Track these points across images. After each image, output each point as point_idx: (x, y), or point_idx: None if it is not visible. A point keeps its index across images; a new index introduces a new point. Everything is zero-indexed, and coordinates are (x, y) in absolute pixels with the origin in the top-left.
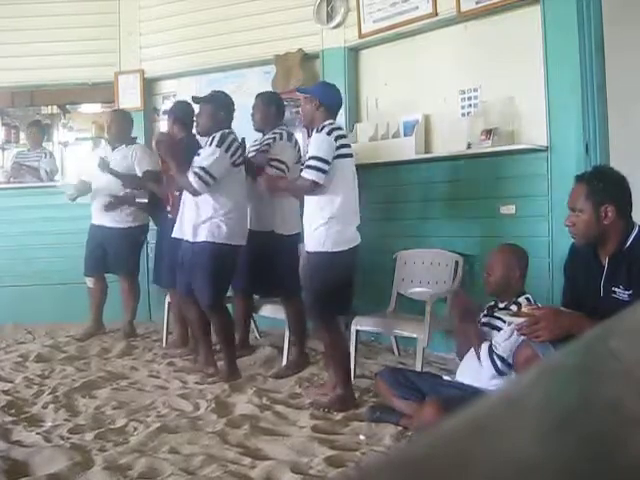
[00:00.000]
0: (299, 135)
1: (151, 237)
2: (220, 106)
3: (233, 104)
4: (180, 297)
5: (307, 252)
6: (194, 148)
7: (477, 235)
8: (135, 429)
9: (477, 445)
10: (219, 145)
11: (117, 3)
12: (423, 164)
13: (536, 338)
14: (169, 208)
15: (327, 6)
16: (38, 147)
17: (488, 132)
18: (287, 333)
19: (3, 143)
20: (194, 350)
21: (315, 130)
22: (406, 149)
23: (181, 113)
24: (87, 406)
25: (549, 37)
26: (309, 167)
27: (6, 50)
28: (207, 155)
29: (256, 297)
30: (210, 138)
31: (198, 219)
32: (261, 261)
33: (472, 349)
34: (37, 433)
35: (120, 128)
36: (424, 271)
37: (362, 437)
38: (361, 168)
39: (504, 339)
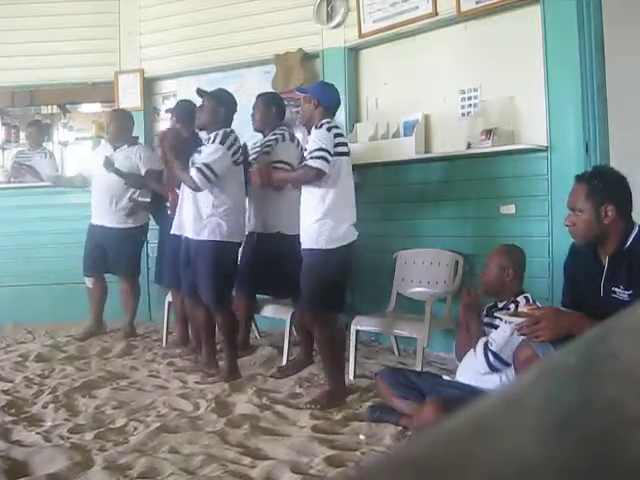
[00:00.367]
0: (299, 135)
1: (152, 237)
2: (221, 103)
3: (235, 103)
4: (187, 298)
5: (302, 249)
6: (197, 146)
7: (477, 235)
8: (135, 429)
9: (477, 445)
10: (222, 142)
11: (117, 3)
12: (423, 164)
13: (536, 338)
14: (168, 204)
15: (327, 6)
16: (38, 147)
17: (488, 132)
18: (287, 333)
19: (3, 143)
20: (195, 350)
21: (314, 126)
22: (406, 149)
23: (184, 112)
24: (87, 406)
25: (549, 37)
26: (314, 157)
27: (6, 50)
28: (210, 152)
29: (259, 298)
30: (213, 136)
31: (198, 217)
32: (269, 263)
33: (472, 349)
34: (37, 433)
35: (120, 128)
36: (424, 271)
37: (362, 437)
38: (361, 168)
39: (501, 336)
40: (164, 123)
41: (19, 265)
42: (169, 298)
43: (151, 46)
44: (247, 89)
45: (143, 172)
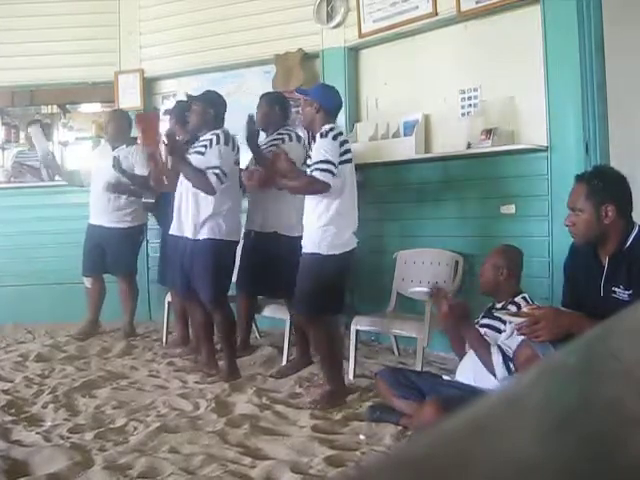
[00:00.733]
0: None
1: (152, 237)
2: (209, 104)
3: (224, 104)
4: (183, 298)
5: (302, 252)
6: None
7: (477, 235)
8: (135, 429)
9: (477, 445)
10: (227, 144)
11: (117, 3)
12: (423, 164)
13: (536, 338)
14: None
15: (327, 6)
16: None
17: (488, 132)
18: (287, 333)
19: (3, 143)
20: (195, 349)
21: (320, 135)
22: (406, 149)
23: (182, 113)
24: (87, 406)
25: (549, 37)
26: (320, 169)
27: (6, 49)
28: (218, 154)
29: (260, 298)
30: (215, 137)
31: (200, 217)
32: (265, 263)
33: (471, 350)
34: (37, 433)
35: (119, 128)
36: (424, 271)
37: (362, 437)
38: (361, 168)
39: (511, 340)
40: (164, 123)
41: (19, 265)
42: (169, 298)
43: (151, 46)
44: (247, 89)
45: (137, 171)
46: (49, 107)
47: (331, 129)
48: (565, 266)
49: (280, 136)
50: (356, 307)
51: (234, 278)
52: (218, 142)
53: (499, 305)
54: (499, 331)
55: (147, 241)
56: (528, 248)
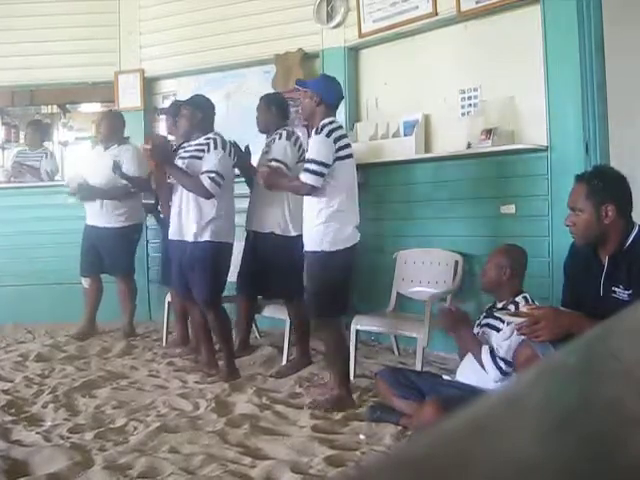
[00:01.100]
0: (299, 134)
1: (152, 236)
2: (197, 108)
3: (213, 107)
4: (184, 298)
5: (305, 251)
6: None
7: (477, 235)
8: (135, 428)
9: (477, 445)
10: (223, 148)
11: (117, 3)
12: (423, 164)
13: (536, 338)
14: (160, 208)
15: (327, 6)
16: (38, 147)
17: (488, 132)
18: (287, 333)
19: (3, 142)
20: (195, 349)
21: (315, 131)
22: (406, 149)
23: (178, 113)
24: (87, 405)
25: (549, 37)
26: (308, 170)
27: (6, 49)
28: (215, 158)
29: (259, 298)
30: (212, 142)
31: (202, 220)
32: (262, 263)
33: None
34: (37, 432)
35: (111, 128)
36: (424, 271)
37: (362, 437)
38: (361, 168)
39: (504, 339)
40: (163, 123)
41: (19, 265)
42: (169, 298)
43: (151, 46)
44: (247, 89)
45: (125, 169)
46: (49, 107)
47: (328, 123)
48: (565, 266)
49: (273, 136)
50: (356, 307)
51: (235, 279)
52: (216, 147)
53: (500, 305)
54: (499, 331)
55: (147, 241)
56: (528, 248)
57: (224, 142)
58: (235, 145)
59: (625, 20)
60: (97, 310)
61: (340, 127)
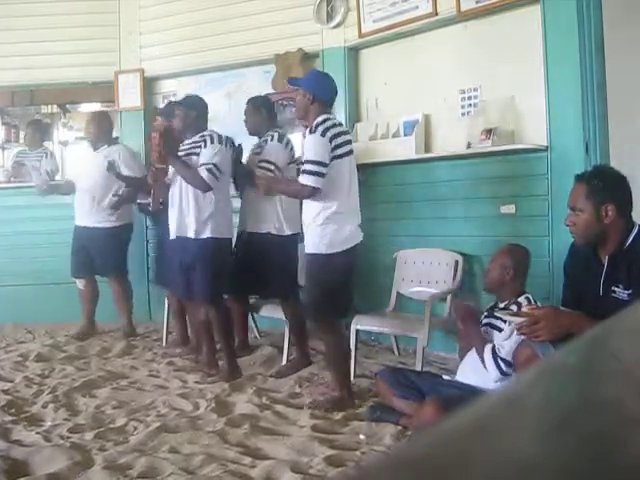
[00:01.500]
0: (298, 135)
1: (152, 236)
2: (190, 107)
3: (206, 106)
4: (184, 298)
5: (305, 253)
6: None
7: (477, 235)
8: (135, 428)
9: (477, 445)
10: (220, 142)
11: (117, 2)
12: (423, 164)
13: (536, 338)
14: (150, 200)
15: (327, 6)
16: (38, 147)
17: (488, 132)
18: (287, 333)
19: (3, 142)
20: (195, 349)
21: (309, 130)
22: (406, 149)
23: (174, 113)
24: (87, 405)
25: (549, 37)
26: (305, 172)
27: (6, 49)
28: (213, 152)
29: (256, 297)
30: (208, 138)
31: (200, 216)
32: (256, 263)
33: (473, 349)
34: (37, 432)
35: (100, 129)
36: (424, 271)
37: (362, 437)
38: (361, 168)
39: (504, 339)
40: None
41: (19, 265)
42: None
43: (151, 46)
44: (247, 89)
45: (124, 171)
46: (49, 107)
47: (322, 122)
48: (565, 266)
49: (264, 138)
50: (356, 307)
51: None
52: (212, 142)
53: (502, 305)
54: (500, 331)
55: (147, 241)
56: (528, 248)
57: (220, 137)
58: (233, 144)
59: (625, 20)
60: (95, 310)
61: (336, 124)
